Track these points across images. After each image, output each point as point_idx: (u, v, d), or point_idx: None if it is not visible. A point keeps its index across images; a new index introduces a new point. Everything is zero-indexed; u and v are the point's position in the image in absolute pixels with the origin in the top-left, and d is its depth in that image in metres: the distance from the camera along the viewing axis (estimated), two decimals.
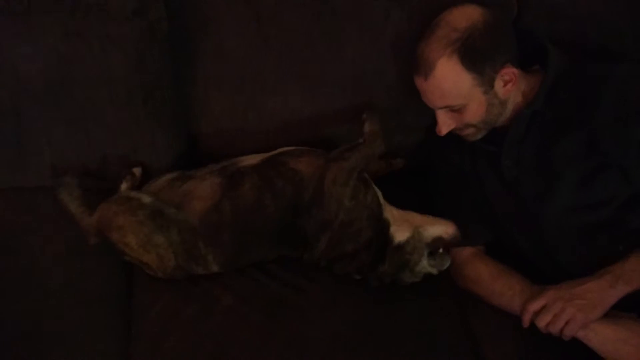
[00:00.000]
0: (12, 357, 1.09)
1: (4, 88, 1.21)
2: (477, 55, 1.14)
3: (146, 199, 1.18)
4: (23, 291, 1.18)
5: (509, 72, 1.17)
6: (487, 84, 1.17)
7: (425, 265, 1.23)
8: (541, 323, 1.12)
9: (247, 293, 1.22)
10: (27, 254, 1.24)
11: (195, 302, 1.20)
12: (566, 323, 1.09)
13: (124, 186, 1.30)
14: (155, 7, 1.20)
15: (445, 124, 1.23)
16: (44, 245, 1.24)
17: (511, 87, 1.19)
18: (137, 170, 1.32)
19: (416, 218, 1.25)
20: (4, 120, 1.25)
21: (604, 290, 1.10)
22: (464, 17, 1.16)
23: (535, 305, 1.13)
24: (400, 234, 1.23)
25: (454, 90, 1.17)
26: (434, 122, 1.26)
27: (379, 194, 1.25)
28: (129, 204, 1.17)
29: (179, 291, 1.21)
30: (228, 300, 1.20)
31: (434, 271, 1.25)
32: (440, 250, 1.23)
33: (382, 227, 1.22)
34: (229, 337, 1.15)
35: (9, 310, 1.15)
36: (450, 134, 1.26)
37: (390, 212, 1.25)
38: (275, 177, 1.21)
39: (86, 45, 1.18)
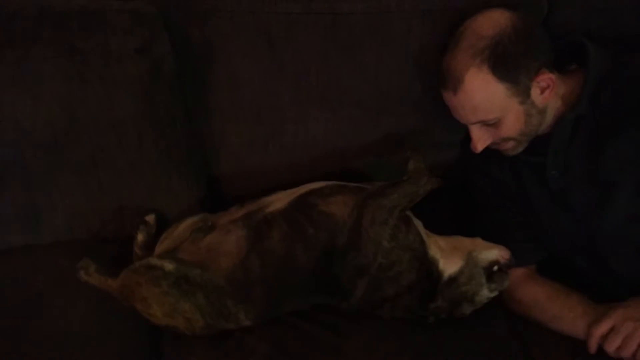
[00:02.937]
0: None
1: (7, 142, 1.17)
2: (509, 63, 1.08)
3: (169, 266, 1.10)
4: (45, 354, 1.12)
5: (546, 77, 1.10)
6: (523, 93, 1.10)
7: (486, 293, 1.14)
8: (611, 347, 1.05)
9: (284, 341, 1.14)
10: (46, 317, 1.17)
11: (229, 355, 1.12)
12: (639, 345, 1.02)
13: (140, 237, 1.24)
14: (159, 42, 1.16)
15: (480, 140, 1.17)
16: (63, 307, 1.18)
17: (549, 93, 1.12)
18: (150, 218, 1.26)
19: (466, 243, 1.17)
20: (11, 176, 1.20)
21: None
22: (491, 24, 1.09)
23: (602, 328, 1.06)
24: (450, 266, 1.14)
25: (486, 103, 1.11)
26: (467, 137, 1.20)
27: (421, 226, 1.17)
28: (152, 274, 1.09)
29: (211, 346, 1.13)
30: (264, 350, 1.12)
31: (496, 293, 1.16)
32: (496, 268, 1.14)
33: (429, 267, 1.13)
34: None
35: None
36: (488, 147, 1.18)
37: (436, 245, 1.16)
38: (305, 224, 1.12)
39: (89, 89, 1.14)
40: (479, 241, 1.17)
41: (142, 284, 1.09)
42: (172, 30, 1.17)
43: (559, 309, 1.15)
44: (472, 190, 1.33)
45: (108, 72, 1.13)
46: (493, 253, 1.15)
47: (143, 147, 1.21)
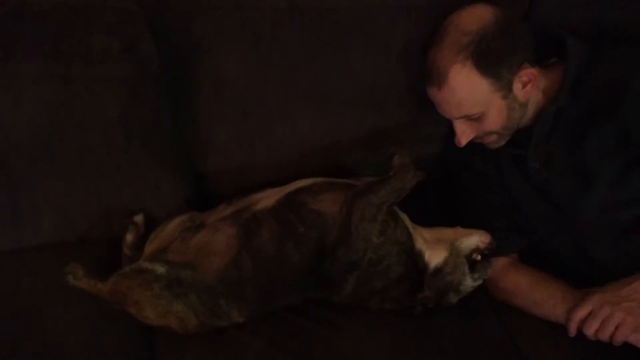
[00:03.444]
0: None
1: None
2: (492, 59, 1.09)
3: (160, 269, 1.09)
4: (39, 358, 1.11)
5: (527, 72, 1.12)
6: (505, 88, 1.12)
7: (469, 282, 1.17)
8: (589, 330, 1.07)
9: (277, 336, 1.15)
10: (38, 320, 1.15)
11: (223, 352, 1.12)
12: (616, 328, 1.05)
13: (129, 237, 1.23)
14: (144, 42, 1.14)
15: (464, 134, 1.18)
16: (55, 310, 1.16)
17: (531, 88, 1.14)
18: (139, 219, 1.25)
19: (448, 233, 1.19)
20: None
21: None
22: (474, 19, 1.10)
23: (580, 313, 1.08)
24: (435, 257, 1.16)
25: (470, 99, 1.12)
26: (451, 131, 1.21)
27: (407, 219, 1.18)
28: (143, 278, 1.08)
29: (205, 343, 1.13)
30: (258, 346, 1.13)
31: (479, 282, 1.19)
32: (479, 257, 1.17)
33: (415, 260, 1.16)
34: None
35: None
36: (471, 140, 1.20)
37: (422, 237, 1.18)
38: (295, 222, 1.13)
39: (72, 89, 1.11)
40: (459, 230, 1.19)
41: (133, 288, 1.08)
42: (156, 28, 1.15)
43: (540, 296, 1.17)
44: (456, 182, 1.35)
45: (92, 72, 1.11)
46: (473, 240, 1.17)
47: (130, 148, 1.19)
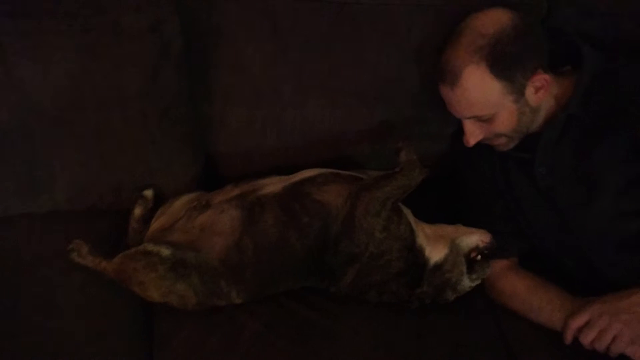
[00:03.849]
0: None
1: (15, 111, 1.17)
2: (506, 62, 1.10)
3: (165, 251, 1.11)
4: (40, 323, 1.14)
5: (541, 78, 1.12)
6: (518, 92, 1.13)
7: (467, 282, 1.18)
8: (586, 340, 1.07)
9: (273, 319, 1.17)
10: (43, 285, 1.19)
11: (220, 330, 1.15)
12: (613, 339, 1.05)
13: (137, 211, 1.26)
14: (169, 23, 1.16)
15: (473, 135, 1.19)
16: (59, 276, 1.19)
17: (543, 93, 1.14)
18: (148, 193, 1.28)
19: (450, 230, 1.20)
20: (15, 144, 1.21)
21: None
22: (491, 22, 1.11)
23: (578, 321, 1.08)
24: (436, 254, 1.17)
25: (482, 100, 1.13)
26: (460, 130, 1.22)
27: (410, 214, 1.19)
28: (148, 260, 1.10)
29: (202, 319, 1.16)
30: (254, 327, 1.15)
31: (477, 282, 1.19)
32: (479, 257, 1.18)
33: (416, 255, 1.17)
34: None
35: (25, 343, 1.11)
36: (479, 142, 1.21)
37: (423, 233, 1.19)
38: (300, 212, 1.14)
39: (98, 64, 1.15)
40: (460, 228, 1.20)
41: (139, 269, 1.11)
42: (181, 11, 1.18)
43: (538, 301, 1.18)
44: (460, 181, 1.35)
45: (119, 48, 1.14)
46: (473, 239, 1.18)
47: (146, 124, 1.22)
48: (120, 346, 1.13)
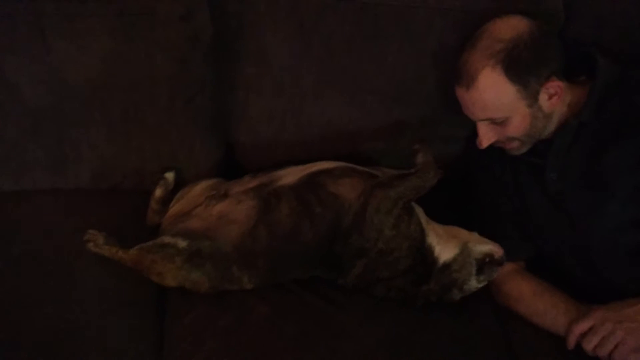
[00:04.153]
0: (45, 358, 1.08)
1: (51, 88, 1.22)
2: (522, 67, 1.12)
3: (182, 243, 1.15)
4: (58, 293, 1.18)
5: (555, 85, 1.15)
6: (532, 97, 1.15)
7: (474, 282, 1.19)
8: (588, 346, 1.08)
9: (282, 304, 1.20)
10: (61, 258, 1.23)
11: (230, 311, 1.18)
12: (615, 346, 1.05)
13: (158, 192, 1.30)
14: (200, 12, 1.21)
15: (486, 137, 1.21)
16: (77, 251, 1.23)
17: (556, 100, 1.17)
18: (170, 175, 1.32)
19: (463, 234, 1.22)
20: (47, 122, 1.27)
21: None
22: (509, 28, 1.14)
23: (581, 327, 1.09)
24: (445, 253, 1.19)
25: (496, 102, 1.15)
26: (474, 133, 1.24)
27: (421, 213, 1.22)
28: (165, 251, 1.15)
29: (214, 300, 1.19)
30: (263, 311, 1.18)
31: (483, 284, 1.21)
32: (487, 260, 1.19)
33: (425, 254, 1.19)
34: (263, 348, 1.12)
35: (43, 313, 1.15)
36: (492, 145, 1.23)
37: (435, 232, 1.21)
38: (314, 202, 1.17)
39: (132, 48, 1.20)
40: (475, 235, 1.22)
41: (157, 261, 1.15)
42: (211, 2, 1.22)
43: (543, 305, 1.19)
44: (472, 184, 1.37)
45: (152, 34, 1.19)
46: (487, 247, 1.19)
47: (173, 108, 1.27)
48: (134, 320, 1.17)
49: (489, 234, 1.22)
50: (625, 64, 1.20)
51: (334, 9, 1.24)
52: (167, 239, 1.17)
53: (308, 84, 1.30)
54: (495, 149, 1.25)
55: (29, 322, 1.13)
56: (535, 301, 1.20)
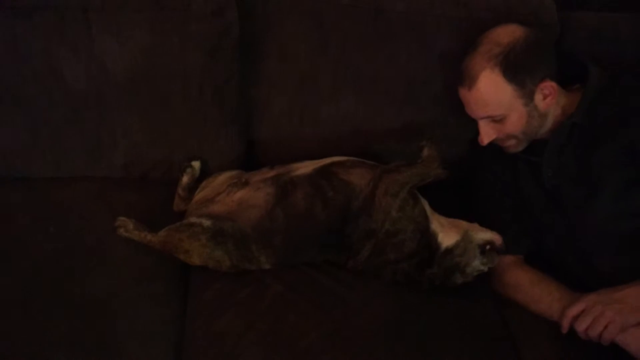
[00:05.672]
0: (70, 329, 1.15)
1: (93, 79, 1.30)
2: (517, 68, 1.22)
3: (206, 222, 1.24)
4: (87, 268, 1.25)
5: (548, 86, 1.24)
6: (527, 96, 1.24)
7: (477, 265, 1.26)
8: (580, 327, 1.13)
9: (296, 283, 1.27)
10: (94, 238, 1.30)
11: (247, 287, 1.26)
12: (605, 327, 1.11)
13: (185, 179, 1.39)
14: (230, 9, 1.29)
15: (487, 134, 1.30)
16: (108, 231, 1.31)
17: (550, 100, 1.26)
18: (196, 164, 1.40)
19: (465, 224, 1.30)
20: (87, 111, 1.34)
21: None
22: (507, 34, 1.25)
23: (574, 310, 1.15)
24: (448, 239, 1.27)
25: (495, 101, 1.25)
26: (477, 134, 1.33)
27: (426, 204, 1.30)
28: (192, 230, 1.24)
29: (233, 277, 1.27)
30: (278, 288, 1.26)
31: (485, 268, 1.27)
32: (488, 247, 1.26)
33: (428, 239, 1.27)
34: (279, 318, 1.20)
35: (75, 280, 1.22)
36: (493, 145, 1.32)
37: (438, 221, 1.29)
38: (327, 187, 1.26)
39: (168, 41, 1.28)
40: (476, 225, 1.30)
41: (184, 239, 1.24)
42: (238, 1, 1.30)
43: (539, 293, 1.25)
44: (476, 183, 1.45)
45: (186, 28, 1.27)
46: (488, 235, 1.27)
47: (202, 100, 1.34)
48: (159, 291, 1.25)
49: (490, 229, 1.29)
50: (615, 72, 1.29)
51: (352, 12, 1.33)
52: (193, 219, 1.26)
53: (325, 82, 1.38)
54: (497, 152, 1.34)
55: (59, 289, 1.21)
56: (532, 289, 1.27)
